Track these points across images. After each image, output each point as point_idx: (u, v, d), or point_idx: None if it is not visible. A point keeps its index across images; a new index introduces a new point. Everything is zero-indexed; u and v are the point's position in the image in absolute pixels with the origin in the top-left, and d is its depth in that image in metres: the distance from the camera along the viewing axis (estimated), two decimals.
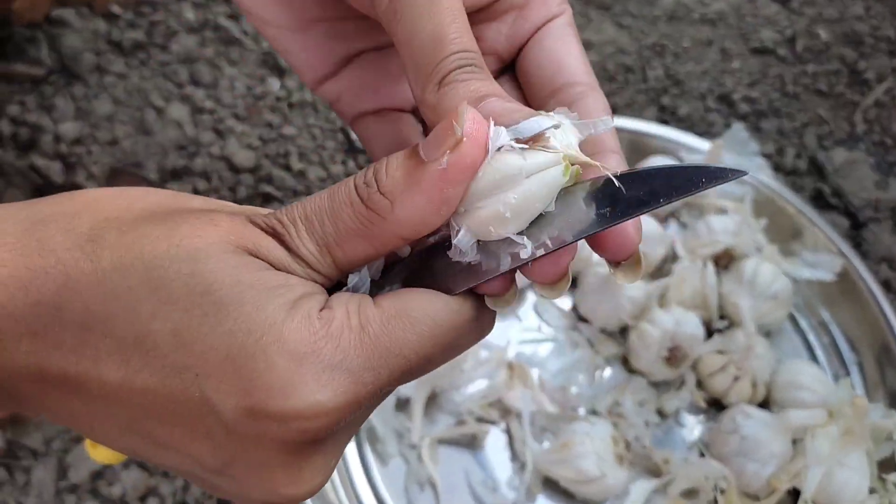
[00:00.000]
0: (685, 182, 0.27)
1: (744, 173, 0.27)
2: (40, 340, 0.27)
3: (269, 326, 0.27)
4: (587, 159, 0.28)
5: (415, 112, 0.40)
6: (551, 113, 0.29)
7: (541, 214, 0.28)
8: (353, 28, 0.38)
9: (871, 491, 0.63)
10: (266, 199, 0.81)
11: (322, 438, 0.28)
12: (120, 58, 0.88)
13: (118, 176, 0.81)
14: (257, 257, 0.28)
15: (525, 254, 0.28)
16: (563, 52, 0.34)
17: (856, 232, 0.80)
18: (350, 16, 0.37)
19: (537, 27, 0.35)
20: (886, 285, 0.76)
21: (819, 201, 0.82)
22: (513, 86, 0.36)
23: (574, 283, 0.74)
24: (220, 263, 0.27)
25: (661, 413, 0.69)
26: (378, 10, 0.31)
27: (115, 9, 0.91)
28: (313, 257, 0.29)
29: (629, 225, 0.29)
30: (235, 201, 0.80)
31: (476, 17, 0.35)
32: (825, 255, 0.74)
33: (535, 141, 0.28)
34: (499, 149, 0.27)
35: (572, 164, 0.28)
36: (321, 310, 0.28)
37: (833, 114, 0.88)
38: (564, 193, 0.28)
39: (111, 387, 0.27)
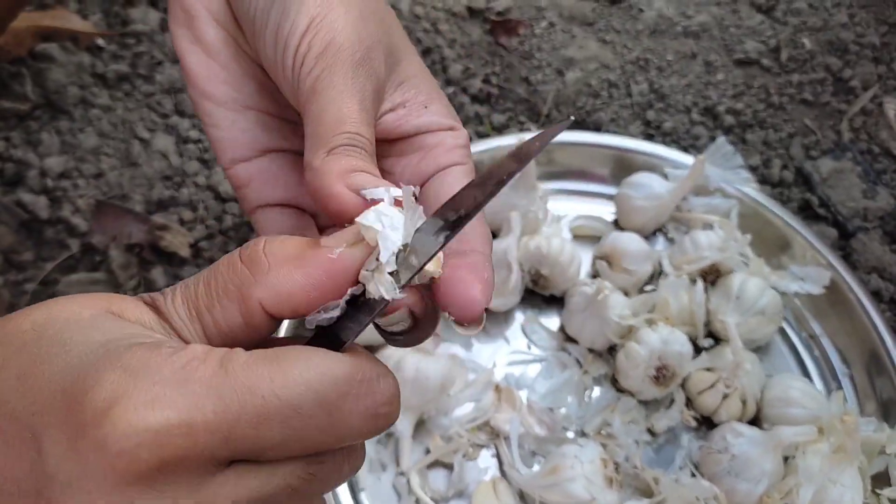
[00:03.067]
0: (497, 180, 0.31)
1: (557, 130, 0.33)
2: None
3: (109, 351, 0.25)
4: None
5: (315, 216, 0.43)
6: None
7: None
8: (279, 126, 0.42)
9: None
10: (253, 228, 0.81)
11: (152, 474, 0.24)
12: (104, 90, 0.89)
13: (104, 209, 0.81)
14: (119, 317, 0.28)
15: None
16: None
17: (845, 242, 0.80)
18: (280, 115, 0.41)
19: (440, 168, 0.38)
20: (877, 295, 0.76)
21: (807, 212, 0.82)
22: None
23: (561, 303, 0.74)
24: (64, 314, 0.27)
25: (651, 432, 0.69)
26: (300, 89, 0.34)
27: (100, 41, 0.91)
28: (182, 323, 0.28)
29: (476, 292, 0.32)
30: (222, 230, 0.81)
31: (386, 150, 0.38)
32: (814, 267, 0.73)
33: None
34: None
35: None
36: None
37: (819, 123, 0.88)
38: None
39: None
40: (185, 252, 0.78)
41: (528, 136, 0.77)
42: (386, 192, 0.31)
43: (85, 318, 0.27)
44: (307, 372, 0.26)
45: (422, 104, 0.39)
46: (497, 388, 0.68)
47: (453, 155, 0.38)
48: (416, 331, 0.33)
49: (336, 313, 0.29)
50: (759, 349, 0.73)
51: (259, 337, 0.29)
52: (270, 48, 0.36)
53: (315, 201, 0.32)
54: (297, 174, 0.41)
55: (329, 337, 0.29)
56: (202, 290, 0.28)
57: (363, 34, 0.35)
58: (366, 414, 0.27)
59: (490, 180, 0.31)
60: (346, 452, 0.29)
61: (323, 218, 0.42)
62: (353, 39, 0.34)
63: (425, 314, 0.32)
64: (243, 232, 0.80)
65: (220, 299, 0.28)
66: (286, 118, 0.42)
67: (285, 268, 0.28)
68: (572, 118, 0.33)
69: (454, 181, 0.37)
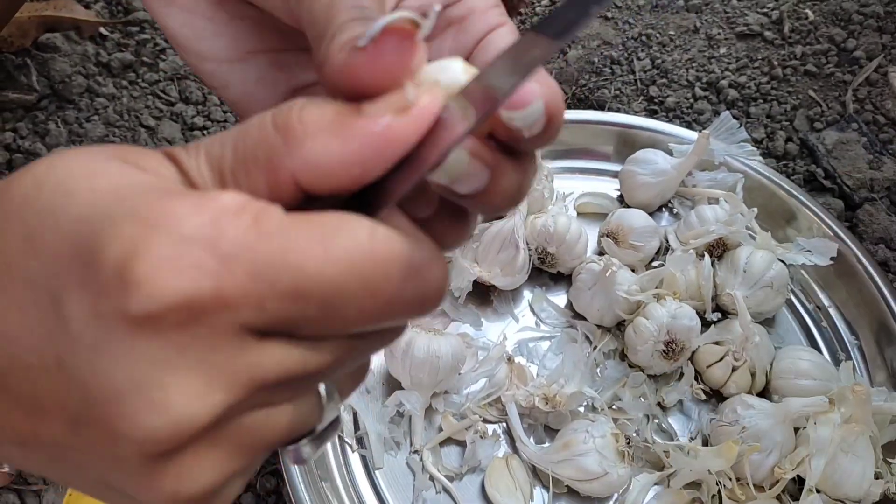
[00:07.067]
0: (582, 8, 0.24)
1: None
2: None
3: (121, 198, 0.22)
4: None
5: None
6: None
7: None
8: (294, 59, 0.36)
9: (877, 476, 0.62)
10: None
11: (180, 337, 0.22)
12: (109, 79, 0.89)
13: None
14: (132, 165, 0.24)
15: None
16: None
17: (851, 213, 0.80)
18: (291, 47, 0.36)
19: (481, 36, 0.32)
20: (884, 266, 0.76)
21: (812, 184, 0.82)
22: None
23: (568, 281, 0.74)
24: (67, 162, 0.23)
25: (661, 406, 0.69)
26: (294, 5, 0.29)
27: (103, 30, 0.91)
28: (205, 183, 0.25)
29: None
30: None
31: None
32: (820, 239, 0.73)
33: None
34: None
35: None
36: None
37: (823, 94, 0.88)
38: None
39: None
40: None
41: None
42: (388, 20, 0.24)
43: (90, 164, 0.23)
44: (353, 250, 0.23)
45: None
46: (510, 360, 0.69)
47: (489, 18, 0.32)
48: (489, 189, 0.27)
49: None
50: (768, 322, 0.73)
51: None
52: None
53: (331, 87, 0.26)
54: None
55: (368, 199, 0.25)
56: (229, 153, 0.24)
57: None
58: (412, 301, 0.24)
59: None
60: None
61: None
62: None
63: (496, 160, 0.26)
64: None
65: (246, 166, 0.24)
66: (300, 48, 0.36)
67: (322, 138, 0.24)
68: None
69: (503, 44, 0.31)
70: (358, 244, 0.23)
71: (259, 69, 0.36)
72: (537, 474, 0.65)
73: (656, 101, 0.88)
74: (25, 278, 0.23)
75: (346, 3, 0.26)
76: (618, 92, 0.88)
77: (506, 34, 0.32)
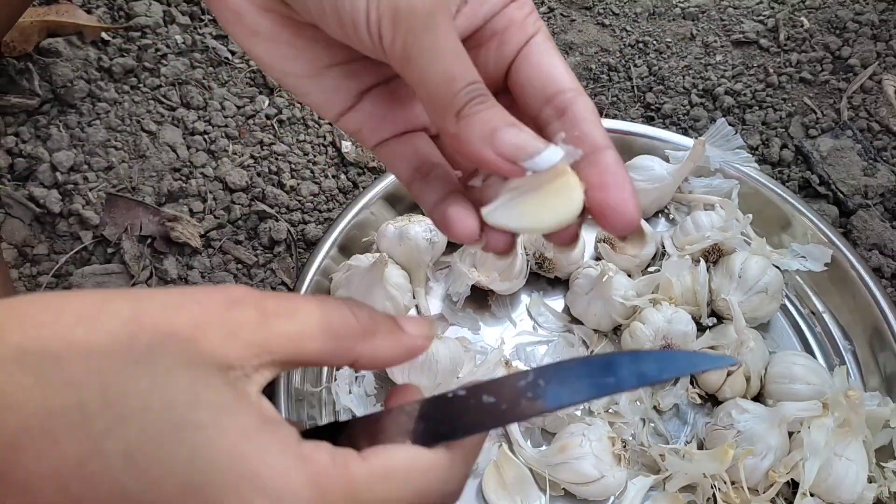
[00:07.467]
0: (686, 366, 0.33)
1: (734, 362, 0.33)
2: None
3: (239, 457, 0.26)
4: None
5: (426, 129, 0.43)
6: (557, 143, 0.33)
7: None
8: (362, 67, 0.42)
9: (870, 480, 0.63)
10: (261, 218, 0.82)
11: None
12: (111, 84, 0.90)
13: (115, 201, 0.82)
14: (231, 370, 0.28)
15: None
16: (549, 64, 0.38)
17: (845, 219, 0.81)
18: (357, 58, 0.41)
19: (520, 47, 0.38)
20: (878, 272, 0.77)
21: (807, 191, 0.83)
22: (509, 101, 0.38)
23: (565, 285, 0.75)
24: (180, 378, 0.26)
25: (657, 409, 0.70)
26: (390, 58, 0.35)
27: (105, 35, 0.92)
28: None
29: (630, 203, 0.34)
30: (230, 220, 0.82)
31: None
32: (815, 245, 0.74)
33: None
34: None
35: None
36: (300, 442, 0.29)
37: (818, 102, 0.89)
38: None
39: None
40: (195, 242, 0.80)
41: None
42: (550, 153, 0.32)
43: (190, 379, 0.27)
44: (421, 489, 0.31)
45: None
46: (508, 364, 0.69)
47: (526, 28, 0.39)
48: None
49: None
50: (762, 327, 0.74)
51: None
52: (338, 29, 0.36)
53: (463, 159, 0.35)
54: (396, 103, 0.42)
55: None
56: (320, 331, 0.31)
57: None
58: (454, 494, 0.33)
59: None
60: None
61: (434, 128, 0.43)
62: None
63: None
64: (252, 221, 0.82)
65: (326, 337, 0.31)
66: (364, 57, 0.41)
67: (381, 333, 0.33)
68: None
69: (541, 57, 0.38)
70: (425, 483, 0.31)
71: (333, 79, 0.41)
72: (534, 477, 0.66)
73: (653, 107, 0.88)
74: (123, 492, 0.25)
75: (461, 81, 0.33)
76: (615, 98, 0.89)
77: (541, 42, 0.38)
